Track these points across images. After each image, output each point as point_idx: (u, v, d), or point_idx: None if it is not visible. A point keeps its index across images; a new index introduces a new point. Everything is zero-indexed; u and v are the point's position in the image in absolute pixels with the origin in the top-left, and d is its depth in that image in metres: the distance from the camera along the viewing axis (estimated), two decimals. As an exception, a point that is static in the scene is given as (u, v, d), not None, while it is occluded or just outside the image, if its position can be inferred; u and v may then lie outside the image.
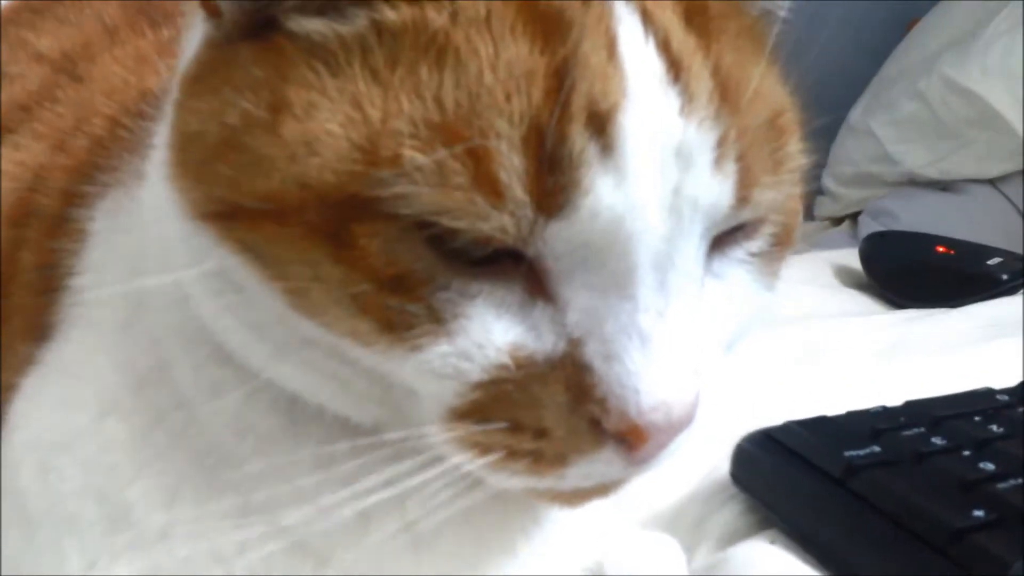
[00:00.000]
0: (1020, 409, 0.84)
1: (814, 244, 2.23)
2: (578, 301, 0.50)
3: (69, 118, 0.84)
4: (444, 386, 0.51)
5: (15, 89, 0.90)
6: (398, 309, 0.49)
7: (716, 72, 0.51)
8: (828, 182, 2.54)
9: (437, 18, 0.49)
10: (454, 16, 0.49)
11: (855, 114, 2.53)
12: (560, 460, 0.52)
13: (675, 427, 0.50)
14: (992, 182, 2.25)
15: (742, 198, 0.51)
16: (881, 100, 2.47)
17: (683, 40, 0.51)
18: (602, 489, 0.57)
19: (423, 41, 0.49)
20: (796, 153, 0.56)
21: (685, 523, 0.81)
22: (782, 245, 0.59)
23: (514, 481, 0.53)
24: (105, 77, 0.86)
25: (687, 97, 0.49)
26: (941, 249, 1.63)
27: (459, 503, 0.54)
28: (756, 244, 0.57)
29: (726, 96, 0.50)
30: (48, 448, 0.65)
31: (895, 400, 0.86)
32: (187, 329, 0.61)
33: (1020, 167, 2.18)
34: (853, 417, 0.81)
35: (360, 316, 0.50)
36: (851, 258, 1.69)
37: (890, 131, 2.37)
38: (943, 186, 2.32)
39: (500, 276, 0.50)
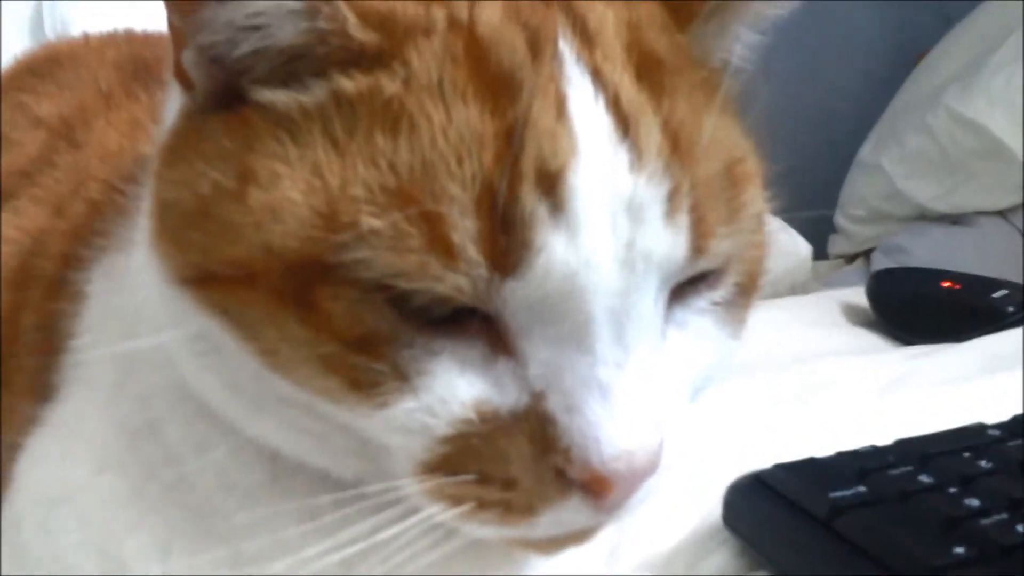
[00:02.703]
0: (1011, 444, 0.84)
1: (827, 283, 2.24)
2: (538, 355, 0.51)
3: (67, 183, 0.86)
4: (412, 440, 0.53)
5: (15, 154, 0.93)
6: (364, 368, 0.51)
7: (667, 126, 0.52)
8: (840, 220, 2.55)
9: (391, 86, 0.51)
10: (407, 83, 0.51)
11: (865, 150, 2.54)
12: (529, 510, 0.53)
13: (639, 475, 0.52)
14: (1002, 213, 2.25)
15: (697, 249, 0.53)
16: (890, 135, 2.47)
17: (633, 97, 0.52)
18: (576, 537, 0.58)
19: (378, 109, 0.51)
20: (754, 201, 0.57)
21: (678, 567, 0.82)
22: (746, 293, 0.60)
23: (486, 530, 0.55)
24: (101, 142, 0.88)
25: (637, 152, 0.51)
26: (947, 284, 1.63)
27: (437, 551, 0.56)
28: (719, 293, 0.58)
29: (677, 149, 0.52)
30: (48, 503, 0.68)
31: (895, 436, 0.86)
32: (175, 388, 0.63)
33: (1027, 197, 2.16)
34: (842, 458, 0.81)
35: (328, 375, 0.52)
36: (859, 296, 1.69)
37: (899, 167, 2.37)
38: (954, 219, 2.32)
39: (462, 333, 0.52)
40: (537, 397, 0.52)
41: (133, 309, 0.65)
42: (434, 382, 0.52)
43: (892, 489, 0.76)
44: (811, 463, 0.81)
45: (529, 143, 0.49)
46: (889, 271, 1.86)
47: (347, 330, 0.51)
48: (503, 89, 0.50)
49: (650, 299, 0.53)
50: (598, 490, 0.51)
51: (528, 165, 0.49)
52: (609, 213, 0.50)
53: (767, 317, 1.53)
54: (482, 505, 0.53)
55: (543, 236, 0.49)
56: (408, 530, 0.54)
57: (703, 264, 0.54)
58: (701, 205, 0.53)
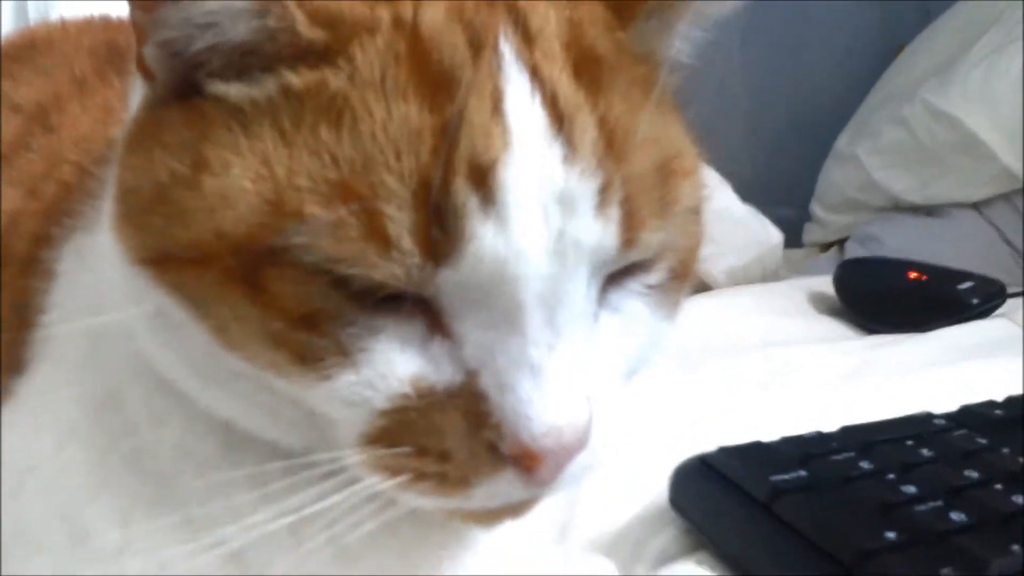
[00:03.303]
0: (955, 433, 0.87)
1: (800, 271, 2.26)
2: (472, 337, 0.54)
3: (40, 166, 0.88)
4: (353, 413, 0.56)
5: None
6: (308, 343, 0.54)
7: (602, 123, 0.55)
8: (816, 208, 2.58)
9: (336, 81, 0.54)
10: (351, 79, 0.53)
11: (842, 141, 2.57)
12: (463, 482, 0.56)
13: (567, 450, 0.55)
14: (975, 206, 2.26)
15: (628, 240, 0.55)
16: (867, 127, 2.49)
17: (570, 94, 0.55)
18: (512, 510, 0.61)
19: (324, 103, 0.53)
20: (689, 194, 0.60)
21: (624, 546, 0.84)
22: (680, 278, 0.63)
23: (423, 501, 0.58)
24: (74, 126, 0.91)
25: (570, 148, 0.53)
26: (913, 274, 1.65)
27: (379, 519, 0.59)
28: (653, 277, 0.61)
29: (611, 145, 0.55)
30: (18, 472, 0.71)
31: (855, 421, 0.89)
32: (136, 363, 0.66)
33: (1002, 191, 2.21)
34: (787, 443, 0.84)
35: (276, 350, 0.55)
36: (827, 285, 1.71)
37: (875, 158, 2.39)
38: (928, 211, 2.33)
39: (402, 313, 0.55)
40: (471, 375, 0.55)
41: (99, 286, 0.68)
42: (374, 358, 0.55)
43: (832, 474, 0.78)
44: (756, 447, 0.84)
45: (464, 138, 0.52)
46: (857, 260, 1.89)
47: (293, 309, 0.53)
48: (442, 86, 0.53)
49: (581, 285, 0.55)
50: (528, 464, 0.54)
51: (462, 159, 0.51)
52: (540, 205, 0.53)
53: (733, 303, 1.60)
54: (419, 476, 0.56)
55: (473, 227, 0.52)
56: (350, 498, 0.57)
57: (635, 254, 0.57)
58: (633, 198, 0.55)
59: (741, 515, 0.77)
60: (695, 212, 0.62)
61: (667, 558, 0.81)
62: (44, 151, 0.90)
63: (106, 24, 1.11)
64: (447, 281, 0.53)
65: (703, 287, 1.79)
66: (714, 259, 1.79)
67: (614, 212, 0.54)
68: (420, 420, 0.55)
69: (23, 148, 0.91)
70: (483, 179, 0.52)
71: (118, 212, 0.59)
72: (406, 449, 0.56)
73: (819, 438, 0.85)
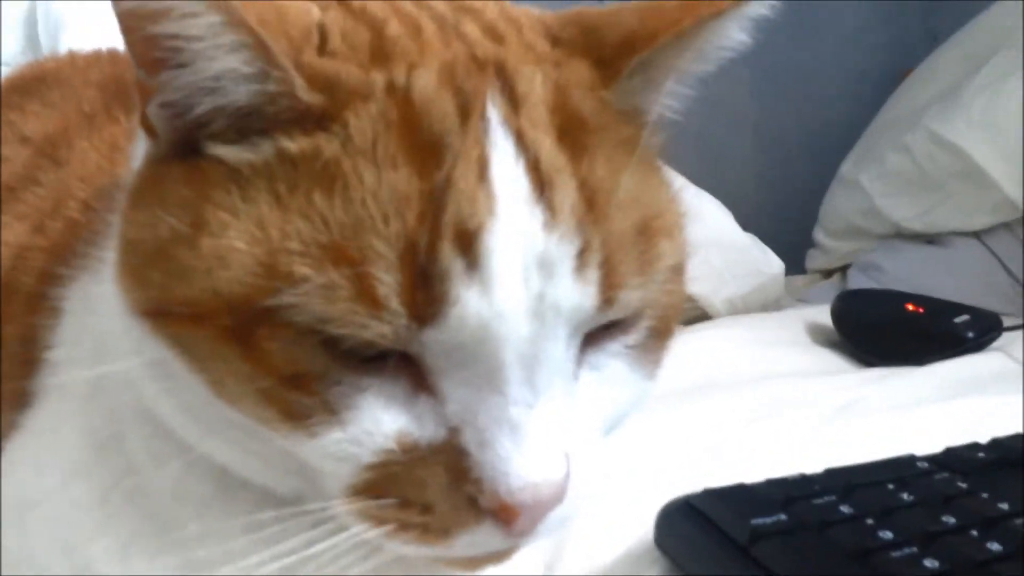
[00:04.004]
0: (937, 477, 0.88)
1: (802, 298, 2.27)
2: (455, 395, 0.57)
3: (48, 201, 0.91)
4: (340, 467, 0.58)
5: (2, 170, 0.97)
6: (297, 401, 0.57)
7: (583, 186, 0.57)
8: (819, 235, 2.59)
9: (329, 148, 0.56)
10: (344, 145, 0.56)
11: (846, 167, 2.57)
12: (445, 532, 0.59)
13: (543, 505, 0.57)
14: (977, 235, 2.27)
15: (606, 300, 0.58)
16: (870, 153, 2.50)
17: (553, 158, 0.57)
18: (494, 556, 0.63)
19: (317, 169, 0.56)
20: (669, 253, 0.62)
21: None
22: (659, 337, 0.65)
23: (407, 549, 0.60)
24: (82, 162, 0.93)
25: (551, 212, 0.56)
26: (910, 307, 1.67)
27: (367, 564, 0.61)
28: (632, 337, 0.63)
29: (591, 208, 0.57)
30: (23, 506, 0.74)
31: (839, 461, 0.90)
32: (137, 406, 0.69)
33: (1003, 220, 2.21)
34: (770, 485, 0.85)
35: (266, 406, 0.57)
36: (825, 315, 1.72)
37: (878, 184, 2.40)
38: (929, 239, 2.34)
39: (387, 372, 0.57)
40: (453, 432, 0.57)
41: (103, 331, 0.71)
42: (360, 416, 0.57)
43: (812, 518, 0.79)
44: (739, 489, 0.85)
45: (450, 204, 0.54)
46: (854, 292, 1.90)
47: (283, 367, 0.56)
48: (431, 152, 0.55)
49: (560, 346, 0.58)
50: (506, 517, 0.57)
51: (448, 224, 0.54)
52: (521, 268, 0.55)
53: (730, 335, 1.61)
54: (403, 527, 0.59)
55: (457, 290, 0.54)
56: (339, 544, 0.60)
57: (613, 314, 0.59)
58: (612, 259, 0.57)
59: (722, 558, 0.78)
60: (676, 271, 0.64)
61: None
62: (52, 186, 0.92)
63: (114, 58, 1.13)
64: (432, 341, 0.55)
65: (703, 316, 1.81)
66: (714, 289, 1.81)
67: (592, 274, 0.57)
68: (404, 473, 0.58)
69: (31, 181, 0.94)
70: (468, 244, 0.54)
71: (121, 264, 0.62)
72: (391, 501, 0.58)
73: (802, 481, 0.86)
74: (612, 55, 0.63)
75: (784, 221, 2.46)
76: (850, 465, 0.90)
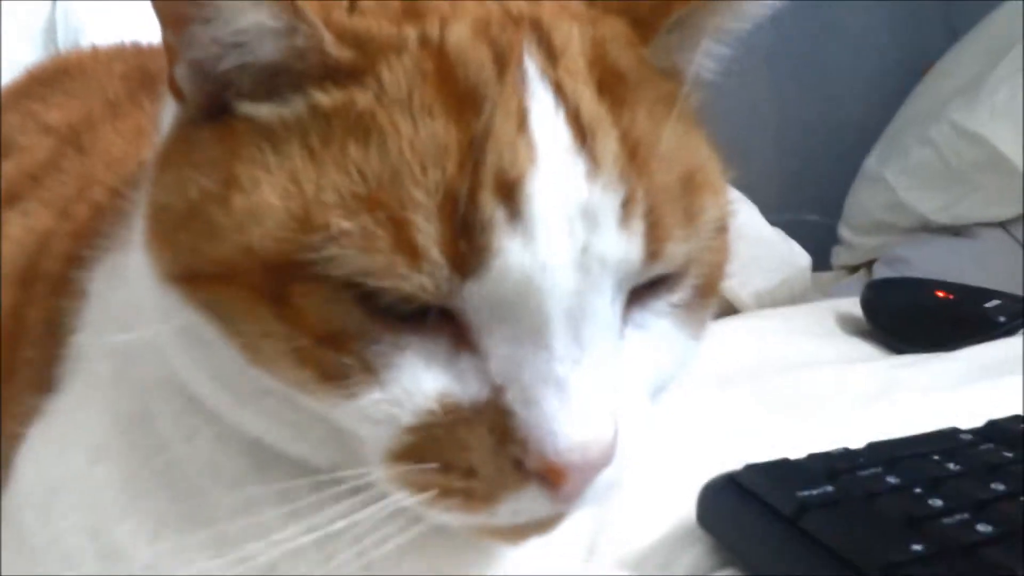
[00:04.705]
0: (982, 447, 0.87)
1: (829, 293, 2.25)
2: (499, 351, 0.55)
3: (73, 186, 0.91)
4: (379, 430, 0.57)
5: (25, 158, 0.97)
6: (334, 361, 0.55)
7: (625, 137, 0.56)
8: (844, 231, 2.57)
9: (364, 100, 0.55)
10: (379, 97, 0.55)
11: (870, 162, 2.56)
12: (489, 497, 0.57)
13: (592, 466, 0.55)
14: (1003, 225, 2.26)
15: (652, 252, 0.56)
16: (894, 147, 2.49)
17: (593, 109, 0.56)
18: (538, 526, 0.61)
19: (351, 121, 0.55)
20: (712, 207, 0.60)
21: (652, 565, 0.84)
22: (705, 296, 0.63)
23: (449, 517, 0.58)
24: (106, 149, 0.93)
25: (593, 162, 0.54)
26: (941, 294, 1.65)
27: (405, 535, 0.59)
28: (678, 295, 0.61)
29: (634, 159, 0.56)
30: (48, 490, 0.72)
31: (875, 439, 0.89)
32: (166, 381, 0.67)
33: (1028, 210, 2.17)
34: (813, 459, 0.84)
35: (302, 367, 0.56)
36: (854, 306, 1.70)
37: (902, 178, 2.38)
38: (955, 231, 2.33)
39: (427, 330, 0.55)
40: (497, 390, 0.55)
41: (130, 305, 0.69)
42: (400, 375, 0.55)
43: (858, 489, 0.78)
44: (783, 464, 0.84)
45: (490, 153, 0.53)
46: (884, 281, 1.88)
47: (319, 326, 0.54)
48: (468, 103, 0.54)
49: (606, 300, 0.56)
50: (553, 480, 0.55)
51: (488, 173, 0.52)
52: (565, 219, 0.53)
53: (761, 325, 1.60)
54: (445, 492, 0.57)
55: (500, 240, 0.52)
56: (376, 514, 0.58)
57: (659, 267, 0.58)
58: (656, 211, 0.56)
59: (768, 531, 0.77)
60: (720, 228, 0.63)
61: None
62: (76, 173, 0.92)
63: (137, 51, 1.13)
64: (474, 294, 0.54)
65: (731, 310, 1.79)
66: (742, 282, 1.79)
67: (638, 225, 0.55)
68: (446, 436, 0.56)
69: (55, 169, 0.93)
70: (510, 193, 0.53)
71: (150, 229, 0.61)
72: (432, 465, 0.56)
73: (846, 454, 0.85)
74: (649, 13, 0.62)
75: (806, 217, 2.43)
76: (893, 439, 0.89)
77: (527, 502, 0.57)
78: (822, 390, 1.25)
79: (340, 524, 0.58)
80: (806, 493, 0.77)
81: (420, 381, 0.56)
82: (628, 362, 0.59)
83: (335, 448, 0.62)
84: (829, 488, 0.78)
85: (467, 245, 0.52)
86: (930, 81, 2.62)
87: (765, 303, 1.85)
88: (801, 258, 2.03)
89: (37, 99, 1.04)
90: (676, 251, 0.58)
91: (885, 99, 2.75)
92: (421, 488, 0.57)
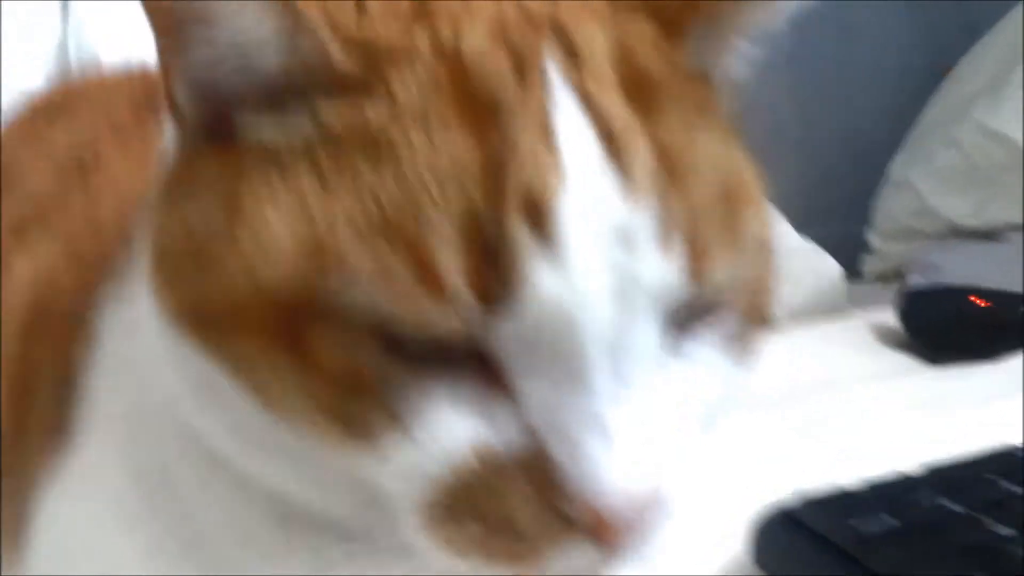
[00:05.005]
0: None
1: (860, 303, 2.22)
2: (535, 394, 0.50)
3: (80, 221, 0.85)
4: (409, 484, 0.51)
5: (28, 191, 0.92)
6: (355, 410, 0.50)
7: (658, 148, 0.51)
8: (873, 239, 2.51)
9: (375, 115, 0.50)
10: (391, 111, 0.50)
11: (895, 168, 2.51)
12: (534, 553, 0.51)
13: (642, 514, 0.50)
14: (1033, 227, 2.20)
15: (695, 275, 0.51)
16: (919, 151, 2.44)
17: (623, 119, 0.51)
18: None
19: (363, 139, 0.50)
20: (755, 223, 0.55)
21: None
22: (753, 321, 0.58)
23: (493, 570, 0.53)
24: (114, 177, 0.87)
25: (626, 177, 0.49)
26: (976, 300, 1.62)
27: None
28: (724, 322, 0.56)
29: (670, 172, 0.50)
30: (66, 560, 0.67)
31: (929, 459, 0.86)
32: (184, 434, 0.62)
33: (1058, 209, 2.14)
34: (870, 488, 0.80)
35: (319, 415, 0.51)
36: (890, 317, 1.68)
37: (929, 182, 2.35)
38: (986, 235, 2.26)
39: (456, 373, 0.50)
40: (535, 436, 0.50)
41: (141, 354, 0.64)
42: (429, 424, 0.50)
43: (921, 519, 0.75)
44: (838, 495, 0.80)
45: (514, 170, 0.48)
46: (919, 290, 1.83)
47: (337, 371, 0.49)
48: (487, 115, 0.49)
49: (648, 330, 0.51)
50: (602, 530, 0.50)
51: (513, 192, 0.47)
52: (599, 241, 0.48)
53: (796, 342, 1.55)
54: (487, 550, 0.52)
55: (529, 267, 0.47)
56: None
57: (703, 292, 0.52)
58: (696, 228, 0.51)
59: (831, 570, 0.73)
60: (764, 245, 0.57)
61: None
62: (83, 205, 0.87)
63: (145, 73, 1.08)
64: (504, 330, 0.48)
65: None
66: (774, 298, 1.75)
67: (677, 245, 0.50)
68: (483, 489, 0.51)
69: (61, 202, 0.88)
70: (537, 214, 0.47)
71: (154, 269, 0.56)
72: (474, 524, 0.51)
73: (902, 480, 0.82)
74: (675, 12, 0.56)
75: (833, 227, 2.40)
76: (950, 460, 0.86)
77: (575, 556, 0.51)
78: (870, 406, 1.22)
79: None
80: (868, 527, 0.73)
81: (451, 429, 0.50)
82: (674, 398, 0.53)
83: (367, 508, 0.56)
84: (890, 519, 0.74)
85: (493, 275, 0.47)
86: (952, 83, 2.57)
87: (799, 317, 1.79)
88: (833, 268, 2.01)
89: (42, 127, 0.99)
90: (720, 273, 0.52)
91: (907, 102, 2.71)
92: (461, 549, 0.52)
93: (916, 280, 2.15)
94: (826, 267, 2.00)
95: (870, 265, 2.52)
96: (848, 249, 2.38)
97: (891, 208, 2.48)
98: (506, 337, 0.48)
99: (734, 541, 0.82)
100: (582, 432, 0.49)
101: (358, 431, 0.50)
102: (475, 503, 0.51)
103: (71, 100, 1.05)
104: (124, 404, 0.67)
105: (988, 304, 1.62)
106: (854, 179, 2.64)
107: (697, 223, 0.51)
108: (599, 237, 0.48)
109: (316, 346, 0.49)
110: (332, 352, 0.49)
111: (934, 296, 1.75)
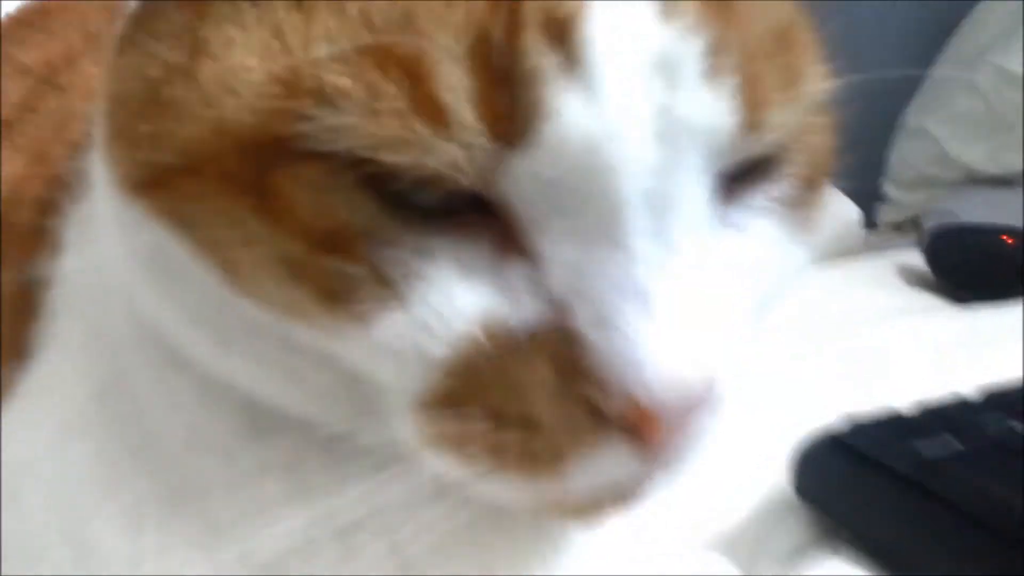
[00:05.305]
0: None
1: (879, 252, 2.17)
2: (559, 255, 0.41)
3: (48, 128, 0.79)
4: (404, 368, 0.42)
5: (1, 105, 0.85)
6: (337, 272, 0.41)
7: None
8: (888, 188, 2.45)
9: None
10: None
11: (910, 116, 2.44)
12: (557, 458, 0.42)
13: (693, 407, 0.41)
14: (1054, 172, 2.16)
15: (748, 119, 0.42)
16: (935, 98, 2.38)
17: None
18: (621, 496, 0.46)
19: None
20: (813, 73, 0.47)
21: (743, 543, 0.74)
22: (812, 189, 0.50)
23: (507, 491, 0.44)
24: (85, 82, 0.81)
25: None
26: (1008, 239, 1.57)
27: (449, 522, 0.46)
28: (779, 187, 0.48)
29: None
30: (17, 475, 0.59)
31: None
32: (141, 332, 0.54)
33: (1079, 154, 2.09)
34: (926, 410, 0.73)
35: (294, 283, 0.42)
36: (915, 259, 1.64)
37: (946, 129, 2.28)
38: (1005, 181, 2.21)
39: (462, 229, 0.42)
40: (559, 308, 0.41)
41: (101, 256, 0.56)
42: (427, 290, 0.41)
43: (985, 441, 0.68)
44: (892, 418, 0.73)
45: None
46: (946, 229, 1.79)
47: (314, 222, 0.41)
48: None
49: (696, 182, 0.42)
50: (643, 427, 0.40)
51: (532, 9, 0.39)
52: (635, 70, 0.39)
53: (820, 279, 1.49)
54: (497, 453, 0.43)
55: (554, 96, 0.38)
56: (411, 495, 0.45)
57: (758, 143, 0.44)
58: (750, 66, 0.42)
59: (887, 496, 0.67)
60: (821, 107, 0.49)
61: (798, 553, 0.71)
62: (53, 112, 0.80)
63: None
64: (522, 173, 0.39)
65: None
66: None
67: (728, 82, 0.41)
68: (495, 375, 0.42)
69: (30, 111, 0.81)
70: (562, 35, 0.39)
71: (107, 131, 0.48)
72: (479, 416, 0.42)
73: (960, 403, 0.75)
74: None
75: (847, 178, 2.33)
76: (1006, 383, 0.79)
77: (608, 463, 0.42)
78: (900, 342, 1.16)
79: (362, 510, 0.45)
80: (930, 449, 0.67)
81: (455, 298, 0.41)
82: (726, 270, 0.44)
83: (350, 404, 0.48)
84: (954, 441, 0.68)
85: (509, 103, 0.39)
86: (968, 29, 2.50)
87: (815, 259, 1.72)
88: (850, 212, 1.94)
89: (16, 42, 0.93)
90: (776, 120, 0.43)
91: (919, 51, 2.65)
92: (465, 450, 0.43)
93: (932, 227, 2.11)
94: (844, 210, 1.92)
95: (885, 215, 2.46)
96: (862, 200, 2.32)
97: (906, 156, 2.41)
98: (524, 183, 0.40)
99: (772, 472, 0.76)
100: (619, 303, 0.40)
101: (338, 299, 0.42)
102: (484, 393, 0.42)
103: (47, 11, 0.98)
104: (85, 316, 0.59)
105: (1018, 243, 1.56)
106: (867, 128, 2.58)
107: (751, 60, 0.42)
108: (636, 64, 0.39)
109: (290, 196, 0.41)
110: (306, 197, 0.41)
111: (962, 234, 1.70)
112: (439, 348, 0.41)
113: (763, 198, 0.47)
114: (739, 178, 0.45)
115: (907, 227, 2.35)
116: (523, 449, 0.42)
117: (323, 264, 0.41)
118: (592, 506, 0.46)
